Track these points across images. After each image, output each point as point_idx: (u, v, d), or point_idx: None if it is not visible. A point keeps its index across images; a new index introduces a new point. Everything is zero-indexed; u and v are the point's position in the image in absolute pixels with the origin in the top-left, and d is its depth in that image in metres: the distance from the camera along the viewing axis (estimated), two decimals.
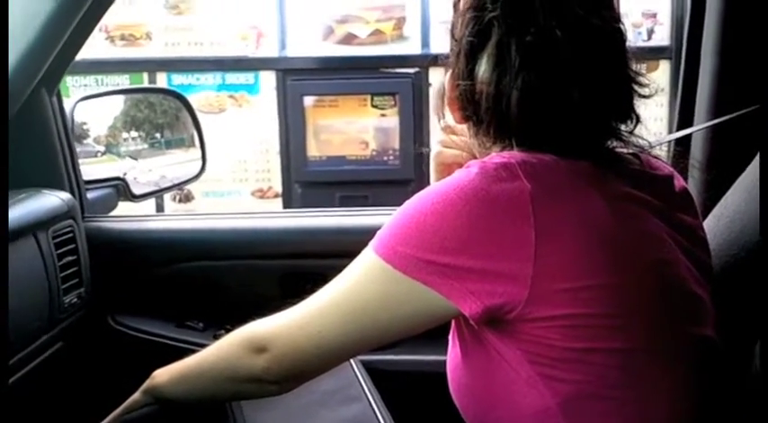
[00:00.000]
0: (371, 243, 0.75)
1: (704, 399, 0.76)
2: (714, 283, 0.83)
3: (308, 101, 2.94)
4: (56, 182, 1.20)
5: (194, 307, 1.29)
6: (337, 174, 2.92)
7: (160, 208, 2.88)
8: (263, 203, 2.98)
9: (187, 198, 2.97)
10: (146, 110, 1.69)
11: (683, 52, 1.18)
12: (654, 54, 2.81)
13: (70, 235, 1.16)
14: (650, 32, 2.98)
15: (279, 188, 2.99)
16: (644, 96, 0.79)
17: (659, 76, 2.75)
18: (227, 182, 2.99)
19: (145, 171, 1.48)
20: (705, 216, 0.98)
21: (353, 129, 2.95)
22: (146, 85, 2.78)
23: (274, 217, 1.43)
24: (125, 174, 1.42)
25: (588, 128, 0.75)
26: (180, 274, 1.27)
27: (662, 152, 0.91)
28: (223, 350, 0.83)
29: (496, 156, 0.73)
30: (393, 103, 2.92)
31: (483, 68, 0.75)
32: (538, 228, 0.68)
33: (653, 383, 0.71)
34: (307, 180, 2.95)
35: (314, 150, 2.95)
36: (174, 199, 2.95)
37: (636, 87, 0.78)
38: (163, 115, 1.68)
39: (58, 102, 1.24)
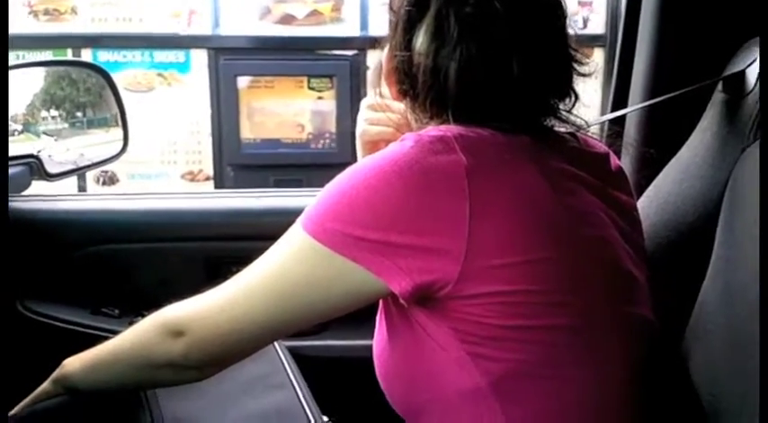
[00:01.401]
0: (299, 219, 0.72)
1: (640, 378, 0.75)
2: (647, 264, 0.82)
3: (242, 81, 2.86)
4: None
5: (111, 293, 1.23)
6: (272, 157, 2.85)
7: (83, 190, 2.76)
8: (193, 187, 2.89)
9: (111, 180, 2.85)
10: (67, 88, 1.60)
11: (620, 35, 1.18)
12: (589, 41, 2.85)
13: None
14: (586, 21, 3.02)
15: (210, 171, 2.90)
16: (583, 75, 0.79)
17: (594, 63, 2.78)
18: (155, 164, 2.88)
19: (62, 149, 1.39)
20: (638, 197, 0.98)
21: (289, 111, 2.89)
22: (65, 58, 2.65)
23: (199, 198, 1.38)
24: (39, 151, 1.33)
25: (527, 103, 0.74)
26: (96, 257, 1.21)
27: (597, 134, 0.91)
28: (138, 335, 0.79)
29: (433, 129, 0.71)
30: (330, 85, 2.87)
31: (421, 40, 0.73)
32: (473, 202, 0.66)
33: (588, 362, 0.70)
34: (240, 163, 2.87)
35: (247, 132, 2.87)
36: (98, 181, 2.83)
37: (575, 65, 0.77)
38: (86, 93, 1.60)
39: None
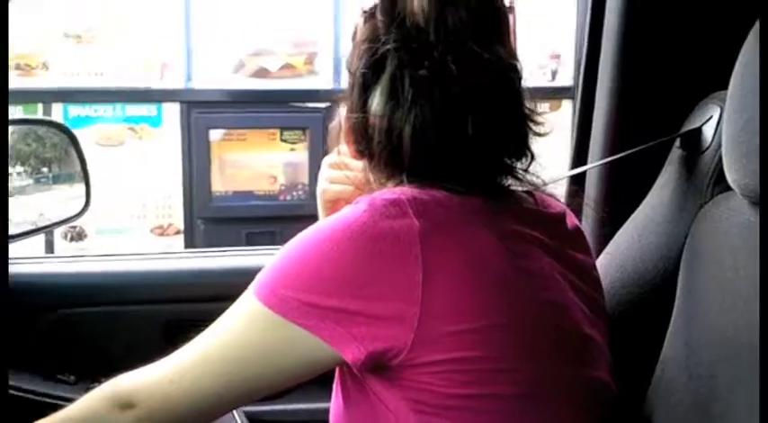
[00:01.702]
0: (251, 285, 0.70)
1: None
2: (608, 323, 0.81)
3: (215, 134, 2.86)
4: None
5: (70, 358, 1.19)
6: (244, 209, 2.84)
7: (50, 245, 2.71)
8: (162, 241, 2.86)
9: (80, 236, 2.81)
10: (33, 143, 1.58)
11: (579, 91, 1.20)
12: (557, 94, 2.89)
13: None
14: (554, 73, 3.08)
15: (180, 225, 2.88)
16: (539, 134, 0.79)
17: (562, 116, 2.82)
18: (125, 218, 2.85)
19: (21, 208, 1.37)
20: (599, 254, 0.97)
21: (262, 163, 2.89)
22: (26, 116, 2.63)
23: (163, 258, 1.36)
24: None
25: (481, 164, 0.74)
26: (55, 322, 1.18)
27: (560, 190, 0.91)
28: (87, 407, 0.76)
29: (387, 191, 0.71)
30: (303, 137, 2.88)
31: (376, 101, 0.73)
32: (426, 268, 0.65)
33: None
34: (211, 216, 2.85)
35: (219, 185, 2.86)
36: (66, 237, 2.79)
37: (531, 125, 0.77)
38: (52, 149, 1.58)
39: None
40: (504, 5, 0.76)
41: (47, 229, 1.49)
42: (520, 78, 0.77)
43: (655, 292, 0.88)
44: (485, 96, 0.72)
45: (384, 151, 0.73)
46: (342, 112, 0.79)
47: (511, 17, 0.77)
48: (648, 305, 0.89)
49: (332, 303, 0.65)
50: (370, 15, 0.74)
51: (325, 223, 0.69)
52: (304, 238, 0.69)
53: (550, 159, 0.83)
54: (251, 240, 2.72)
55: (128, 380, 0.73)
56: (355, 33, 0.76)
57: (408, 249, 0.65)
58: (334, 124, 0.82)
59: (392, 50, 0.72)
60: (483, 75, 0.72)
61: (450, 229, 0.68)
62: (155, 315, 1.20)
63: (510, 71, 0.75)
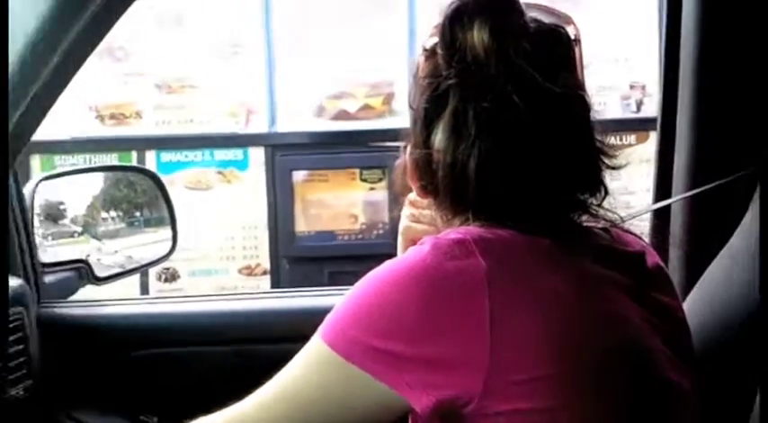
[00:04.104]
0: (319, 328, 0.69)
1: None
2: (696, 370, 0.76)
3: (297, 176, 2.93)
4: (8, 267, 1.15)
5: (152, 399, 1.22)
6: (326, 249, 2.88)
7: (145, 287, 2.82)
8: (250, 281, 2.92)
9: (173, 277, 2.91)
10: (125, 189, 1.66)
11: (659, 123, 1.15)
12: (643, 125, 2.81)
13: (18, 323, 1.10)
14: (639, 104, 2.99)
15: (267, 265, 2.93)
16: (613, 168, 0.76)
17: (649, 147, 2.74)
18: (214, 259, 2.94)
19: (110, 252, 1.43)
20: (686, 295, 0.92)
21: (342, 203, 2.93)
22: (116, 163, 2.76)
23: (246, 299, 1.38)
24: (88, 256, 1.37)
25: (550, 200, 0.71)
26: (138, 362, 1.21)
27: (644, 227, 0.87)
28: None
29: (452, 231, 0.69)
30: (382, 176, 2.90)
31: (439, 137, 0.71)
32: (493, 310, 0.63)
33: None
34: (295, 255, 2.90)
35: (302, 226, 2.91)
36: (160, 278, 2.90)
37: (603, 158, 0.74)
38: (142, 194, 1.66)
39: (15, 182, 1.20)
40: (568, 37, 0.74)
41: (134, 272, 1.55)
42: (588, 109, 0.74)
43: (747, 335, 0.82)
44: (551, 128, 0.70)
45: (448, 187, 0.71)
46: (406, 151, 0.78)
47: (577, 49, 0.75)
48: (741, 348, 0.83)
49: (394, 347, 0.64)
50: (431, 53, 0.74)
51: (389, 264, 0.68)
52: (370, 278, 0.68)
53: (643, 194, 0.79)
54: (333, 279, 2.75)
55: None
56: (417, 70, 0.76)
57: (475, 290, 0.63)
58: (399, 162, 0.81)
59: (454, 85, 0.70)
60: (548, 106, 0.70)
61: (518, 270, 0.65)
62: (233, 355, 1.22)
63: (577, 102, 0.73)
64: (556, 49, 0.73)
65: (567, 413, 0.63)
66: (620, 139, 2.81)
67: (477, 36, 0.69)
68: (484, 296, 0.63)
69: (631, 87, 2.98)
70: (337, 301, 0.70)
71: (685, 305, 0.83)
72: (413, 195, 0.85)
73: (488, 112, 0.69)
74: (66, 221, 1.52)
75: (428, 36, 0.75)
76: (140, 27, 2.82)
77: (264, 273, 2.94)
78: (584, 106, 0.74)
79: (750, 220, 0.90)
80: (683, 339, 0.76)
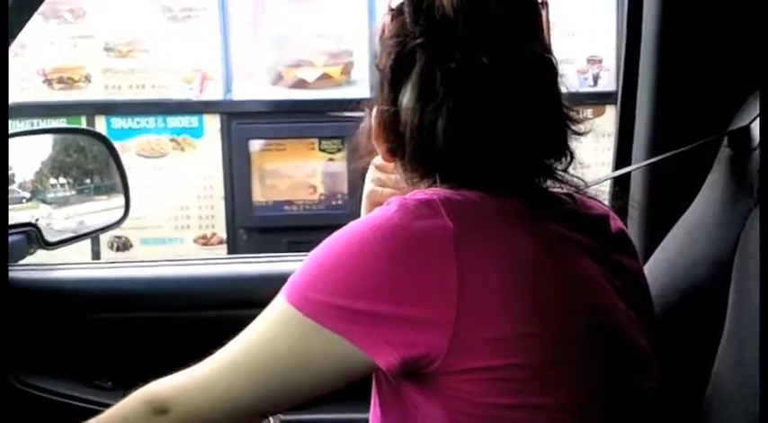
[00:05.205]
0: (283, 289, 0.68)
1: None
2: (657, 332, 0.78)
3: (254, 145, 2.88)
4: None
5: (107, 364, 1.20)
6: (284, 219, 2.85)
7: (97, 255, 2.76)
8: (206, 250, 2.88)
9: (125, 246, 2.85)
10: (75, 154, 1.61)
11: (619, 92, 1.16)
12: (599, 99, 2.83)
13: None
14: (596, 78, 3.02)
15: (223, 235, 2.90)
16: (578, 133, 0.76)
17: (605, 121, 2.77)
18: (169, 229, 2.88)
19: (61, 217, 1.38)
20: (646, 259, 0.94)
21: (301, 173, 2.90)
22: (65, 125, 2.68)
23: (201, 264, 1.36)
24: (37, 220, 1.32)
25: (518, 163, 0.71)
26: (93, 327, 1.18)
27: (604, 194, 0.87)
28: (121, 412, 0.75)
29: (419, 192, 0.69)
30: (341, 146, 2.88)
31: (407, 98, 0.71)
32: (461, 270, 0.63)
33: None
34: (252, 226, 2.87)
35: (259, 195, 2.88)
36: (112, 247, 2.84)
37: (570, 124, 0.74)
38: (93, 160, 1.60)
39: None
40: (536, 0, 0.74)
41: (85, 237, 1.51)
42: (555, 73, 0.74)
43: (707, 299, 0.84)
44: (519, 90, 0.69)
45: (416, 148, 0.70)
46: (371, 114, 0.77)
47: (544, 13, 0.74)
48: (700, 313, 0.85)
49: (362, 306, 0.63)
50: (398, 12, 0.72)
51: (354, 224, 0.68)
52: (335, 239, 0.68)
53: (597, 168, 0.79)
54: (291, 249, 2.73)
55: (163, 385, 0.72)
56: (383, 31, 0.74)
57: (442, 252, 0.63)
58: (363, 125, 0.80)
59: (421, 44, 0.70)
60: (516, 67, 0.69)
61: (485, 230, 0.65)
62: (193, 321, 1.20)
63: (545, 65, 0.72)
64: (524, 11, 0.72)
65: (532, 372, 0.63)
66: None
67: None
68: (451, 256, 0.63)
69: (588, 61, 3.01)
70: (296, 267, 0.69)
71: (645, 270, 0.85)
72: (378, 159, 0.84)
73: (456, 73, 0.68)
74: (14, 187, 1.47)
75: None
76: None
77: (221, 242, 2.90)
78: (552, 69, 0.73)
79: (707, 188, 0.92)
80: (645, 303, 0.78)
